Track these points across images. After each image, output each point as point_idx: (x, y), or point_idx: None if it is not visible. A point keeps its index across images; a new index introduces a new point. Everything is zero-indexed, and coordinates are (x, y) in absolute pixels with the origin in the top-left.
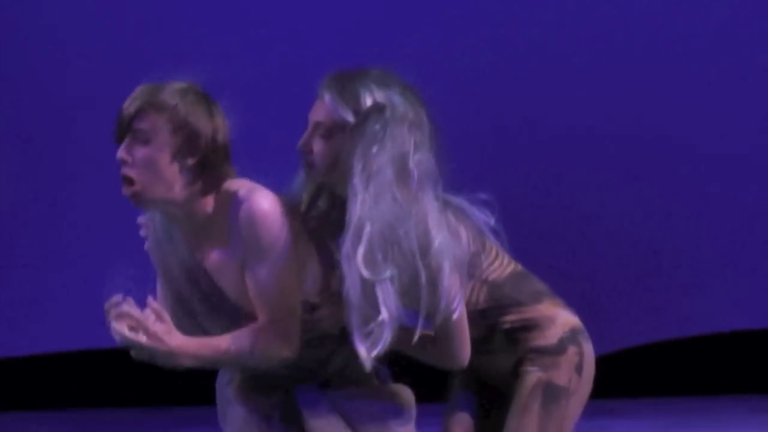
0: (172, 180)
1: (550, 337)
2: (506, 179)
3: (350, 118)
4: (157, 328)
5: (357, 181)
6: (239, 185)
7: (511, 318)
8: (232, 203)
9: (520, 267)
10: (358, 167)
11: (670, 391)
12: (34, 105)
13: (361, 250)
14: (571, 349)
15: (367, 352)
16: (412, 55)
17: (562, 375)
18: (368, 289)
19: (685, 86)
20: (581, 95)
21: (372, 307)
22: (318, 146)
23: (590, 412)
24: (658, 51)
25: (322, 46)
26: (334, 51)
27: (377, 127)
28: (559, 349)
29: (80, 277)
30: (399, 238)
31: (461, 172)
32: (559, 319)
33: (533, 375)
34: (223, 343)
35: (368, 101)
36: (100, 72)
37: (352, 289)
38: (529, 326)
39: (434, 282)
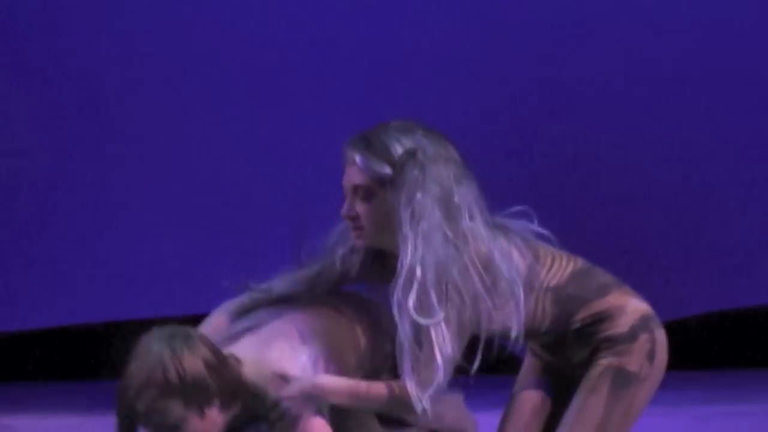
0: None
1: (622, 325)
2: (542, 160)
3: (387, 171)
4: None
5: (407, 229)
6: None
7: (580, 317)
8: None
9: (580, 262)
10: (405, 216)
11: (712, 364)
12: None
13: (413, 296)
14: (643, 337)
15: (419, 396)
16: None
17: (633, 361)
18: (421, 333)
19: (725, 63)
20: (618, 69)
21: (424, 351)
22: (362, 209)
23: None
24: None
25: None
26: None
27: (415, 172)
28: (630, 336)
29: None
30: (454, 277)
31: (504, 158)
32: (629, 307)
33: (605, 360)
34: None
35: (399, 150)
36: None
37: (403, 335)
38: (600, 319)
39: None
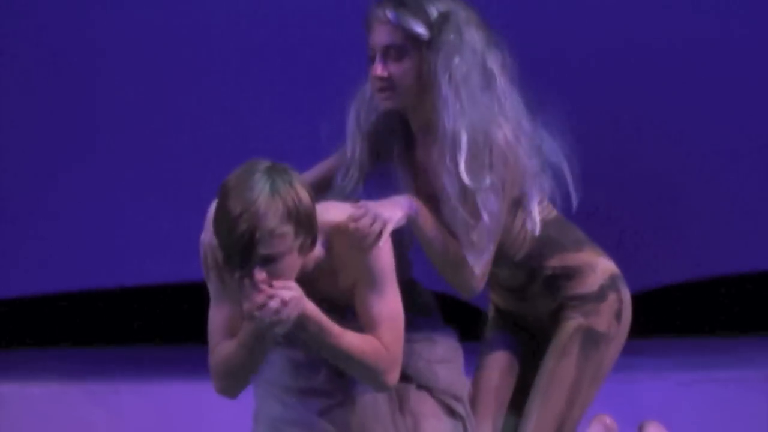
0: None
1: (591, 284)
2: None
3: (423, 31)
4: (294, 293)
5: (447, 92)
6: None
7: (553, 264)
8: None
9: (561, 215)
10: (444, 79)
11: (694, 331)
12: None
13: (462, 159)
14: (611, 296)
15: (475, 260)
16: None
17: (602, 321)
18: (469, 197)
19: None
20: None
21: (472, 214)
22: (395, 69)
23: None
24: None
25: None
26: None
27: (452, 36)
28: (599, 296)
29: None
30: (498, 141)
31: None
32: (600, 266)
33: (574, 321)
34: (343, 331)
35: (434, 11)
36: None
37: (453, 199)
38: (570, 274)
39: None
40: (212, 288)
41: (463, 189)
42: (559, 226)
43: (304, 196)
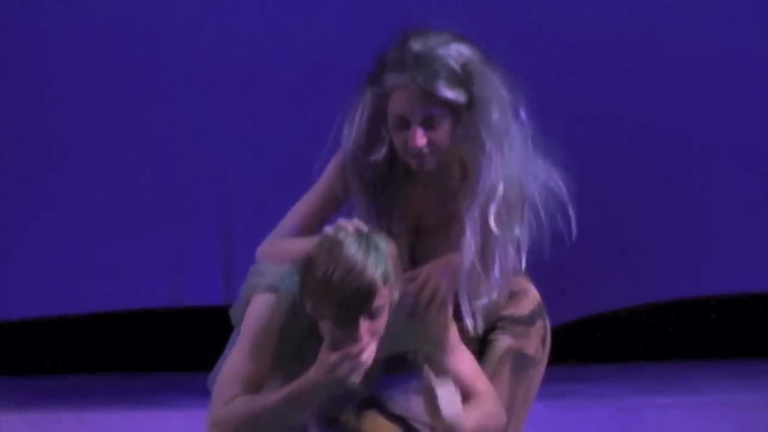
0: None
1: (523, 308)
2: None
3: (460, 97)
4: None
5: (490, 147)
6: None
7: None
8: None
9: None
10: (486, 135)
11: (637, 356)
12: None
13: (493, 210)
14: (539, 322)
15: (472, 312)
16: None
17: (531, 345)
18: (488, 250)
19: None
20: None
21: (484, 267)
22: (433, 136)
23: (559, 377)
24: None
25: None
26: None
27: (482, 89)
28: (529, 320)
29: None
30: (533, 195)
31: None
32: (531, 292)
33: (504, 342)
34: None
35: (460, 70)
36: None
37: (468, 249)
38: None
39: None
40: (252, 341)
41: (485, 241)
42: None
43: (393, 251)
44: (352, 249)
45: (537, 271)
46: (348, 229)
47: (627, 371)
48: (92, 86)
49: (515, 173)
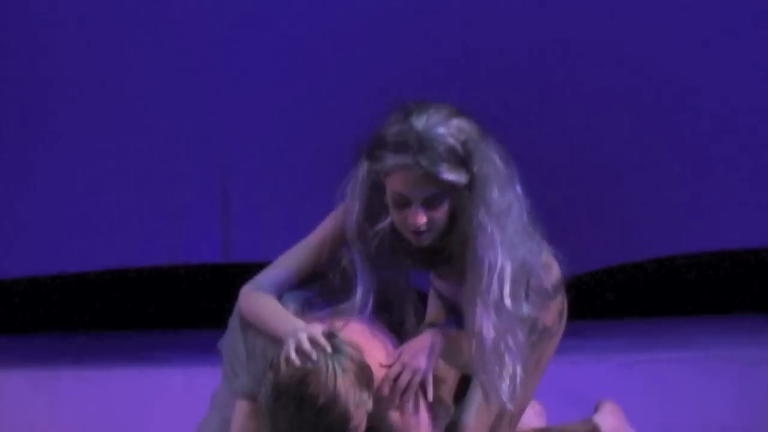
0: None
1: (546, 282)
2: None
3: (461, 178)
4: None
5: (490, 227)
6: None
7: None
8: None
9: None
10: (487, 215)
11: (636, 312)
12: None
13: (507, 290)
14: (559, 297)
15: (500, 397)
16: None
17: (549, 317)
18: (501, 330)
19: None
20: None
21: (498, 348)
22: (433, 215)
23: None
24: None
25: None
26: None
27: (482, 167)
28: (550, 293)
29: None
30: (531, 272)
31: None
32: (554, 267)
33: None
34: None
35: (458, 147)
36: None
37: (486, 332)
38: None
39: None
40: None
41: (502, 319)
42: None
43: (362, 360)
44: (321, 379)
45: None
46: (320, 345)
47: (628, 326)
48: (91, 42)
49: (520, 252)
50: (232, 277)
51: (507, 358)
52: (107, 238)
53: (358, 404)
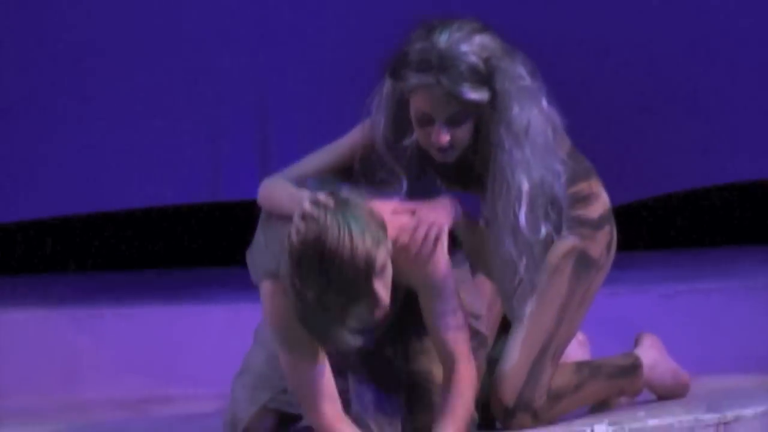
0: None
1: (593, 211)
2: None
3: (484, 96)
4: None
5: (510, 145)
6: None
7: (568, 191)
8: None
9: (569, 143)
10: (509, 133)
11: (675, 243)
12: None
13: (523, 212)
14: (606, 227)
15: (513, 307)
16: None
17: (595, 248)
18: (522, 246)
19: None
20: None
21: (518, 262)
22: (456, 133)
23: None
24: None
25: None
26: None
27: (504, 84)
28: (598, 224)
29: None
30: (553, 192)
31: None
32: (602, 197)
33: (570, 241)
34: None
35: (481, 64)
36: None
37: (508, 249)
38: (578, 198)
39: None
40: (284, 335)
41: (518, 240)
42: (574, 156)
43: (370, 207)
44: (335, 233)
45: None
46: (322, 204)
47: (668, 257)
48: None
49: (539, 171)
50: None
51: (525, 277)
52: (147, 177)
53: (378, 243)
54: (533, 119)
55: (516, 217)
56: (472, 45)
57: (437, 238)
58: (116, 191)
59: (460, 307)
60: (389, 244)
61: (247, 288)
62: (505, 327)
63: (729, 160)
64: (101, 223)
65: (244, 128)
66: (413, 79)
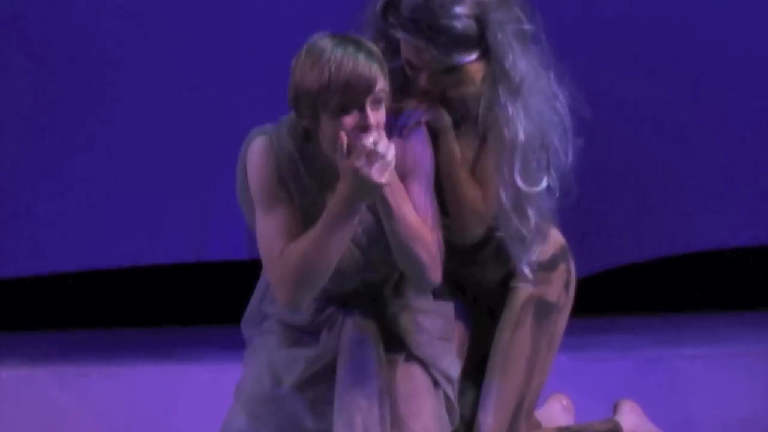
0: None
1: (543, 253)
2: None
3: (473, 56)
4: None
5: (505, 98)
6: None
7: None
8: None
9: None
10: (503, 86)
11: (662, 308)
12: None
13: (517, 163)
14: (561, 266)
15: (522, 258)
16: None
17: (552, 291)
18: (521, 198)
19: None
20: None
21: (523, 214)
22: (448, 80)
23: (583, 328)
24: None
25: None
26: None
27: (498, 36)
28: (550, 265)
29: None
30: (554, 142)
31: None
32: (552, 236)
33: (525, 290)
34: (412, 212)
35: (473, 25)
36: None
37: (507, 200)
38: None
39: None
40: (263, 194)
41: (517, 193)
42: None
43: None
44: (344, 45)
45: (560, 224)
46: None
47: (652, 322)
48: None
49: (536, 121)
50: (257, 274)
51: (525, 232)
52: (133, 235)
53: (382, 71)
54: (529, 68)
55: (512, 173)
56: (465, 4)
57: (418, 122)
58: (102, 249)
59: (434, 198)
60: (387, 88)
61: (230, 348)
62: (468, 374)
63: (711, 227)
64: (86, 281)
65: (230, 189)
66: (402, 35)
